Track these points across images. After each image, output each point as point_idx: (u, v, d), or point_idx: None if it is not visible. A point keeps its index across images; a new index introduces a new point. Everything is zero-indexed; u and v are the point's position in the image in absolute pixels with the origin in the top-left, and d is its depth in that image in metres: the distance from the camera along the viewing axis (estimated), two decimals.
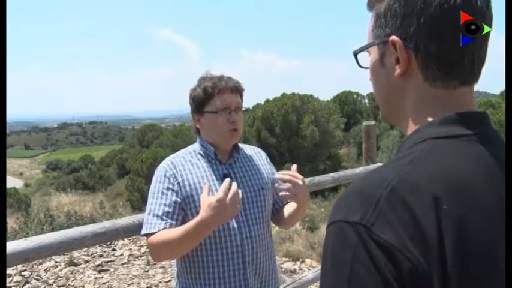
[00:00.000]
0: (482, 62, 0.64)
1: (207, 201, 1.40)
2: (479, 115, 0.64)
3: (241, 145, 1.73)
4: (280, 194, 1.57)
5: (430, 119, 0.63)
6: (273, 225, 1.78)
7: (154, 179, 1.58)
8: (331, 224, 0.58)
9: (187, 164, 1.59)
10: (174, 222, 1.50)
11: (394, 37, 0.63)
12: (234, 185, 1.42)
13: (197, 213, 1.50)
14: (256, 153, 1.76)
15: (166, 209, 1.51)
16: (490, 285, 0.54)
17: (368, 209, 0.54)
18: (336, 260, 0.55)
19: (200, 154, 1.63)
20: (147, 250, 1.64)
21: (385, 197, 0.54)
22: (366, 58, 0.70)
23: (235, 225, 1.56)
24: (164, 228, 1.49)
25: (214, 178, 1.58)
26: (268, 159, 1.80)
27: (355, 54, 0.71)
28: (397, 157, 0.62)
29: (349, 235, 0.54)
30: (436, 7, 0.59)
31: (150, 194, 1.57)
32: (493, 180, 0.59)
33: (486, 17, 0.61)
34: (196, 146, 1.66)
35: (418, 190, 0.54)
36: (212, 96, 1.57)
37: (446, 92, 0.63)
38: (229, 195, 1.38)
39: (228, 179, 1.43)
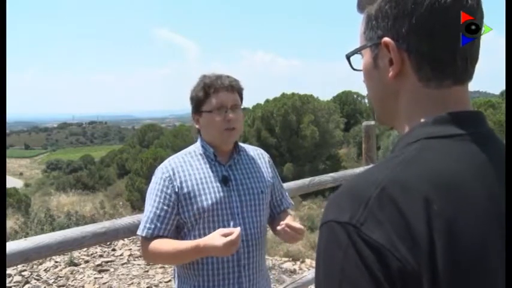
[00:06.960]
0: (475, 59, 0.63)
1: (217, 237, 1.38)
2: (473, 114, 0.63)
3: (244, 146, 1.72)
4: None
5: (423, 119, 0.63)
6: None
7: (152, 180, 1.59)
8: (322, 224, 0.58)
9: (186, 166, 1.58)
10: (166, 227, 1.52)
11: (386, 38, 0.62)
12: (238, 230, 1.40)
13: (194, 215, 1.52)
14: (258, 155, 1.73)
15: (158, 212, 1.52)
16: (481, 284, 0.54)
17: (358, 209, 0.54)
18: (328, 260, 0.56)
19: (200, 155, 1.62)
20: None
21: (375, 197, 0.54)
22: (359, 61, 0.70)
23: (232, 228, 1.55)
24: (157, 235, 1.51)
25: (213, 180, 1.57)
26: (271, 162, 1.77)
27: (348, 57, 0.71)
28: (389, 157, 0.62)
29: (339, 235, 0.54)
30: (426, 7, 0.59)
31: (147, 196, 1.58)
32: (485, 179, 0.58)
33: (477, 15, 0.61)
34: (197, 146, 1.65)
35: (409, 190, 0.54)
36: (208, 95, 1.57)
37: (439, 92, 0.63)
38: (233, 237, 1.37)
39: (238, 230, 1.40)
